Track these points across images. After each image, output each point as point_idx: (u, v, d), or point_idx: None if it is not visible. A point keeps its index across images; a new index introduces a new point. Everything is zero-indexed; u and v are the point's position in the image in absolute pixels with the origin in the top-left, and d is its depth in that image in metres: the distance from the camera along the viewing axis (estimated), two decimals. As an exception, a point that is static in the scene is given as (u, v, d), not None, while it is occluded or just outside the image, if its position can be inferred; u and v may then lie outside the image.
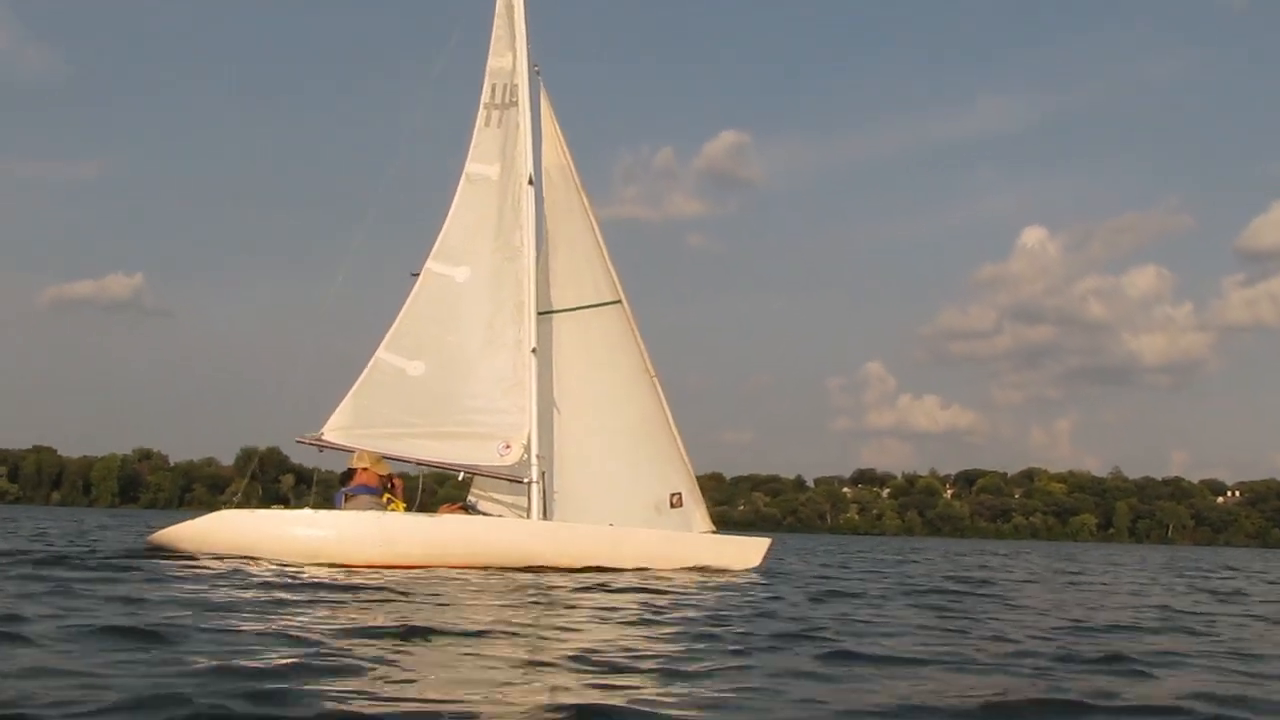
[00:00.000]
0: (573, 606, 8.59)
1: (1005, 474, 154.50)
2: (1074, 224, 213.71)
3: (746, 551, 14.14)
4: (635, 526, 14.03)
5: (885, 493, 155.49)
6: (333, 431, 14.51)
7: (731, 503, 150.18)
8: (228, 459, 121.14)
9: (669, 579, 11.88)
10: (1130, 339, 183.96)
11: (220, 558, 12.11)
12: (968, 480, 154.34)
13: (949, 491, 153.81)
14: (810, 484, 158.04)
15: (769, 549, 14.34)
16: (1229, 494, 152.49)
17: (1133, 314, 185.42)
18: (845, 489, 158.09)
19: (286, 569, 11.13)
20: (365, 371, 14.82)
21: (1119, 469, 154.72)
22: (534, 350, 14.27)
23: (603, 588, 10.36)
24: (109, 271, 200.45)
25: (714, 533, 14.40)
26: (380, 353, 14.88)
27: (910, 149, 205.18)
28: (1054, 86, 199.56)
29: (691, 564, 13.46)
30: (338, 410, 14.63)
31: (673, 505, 14.31)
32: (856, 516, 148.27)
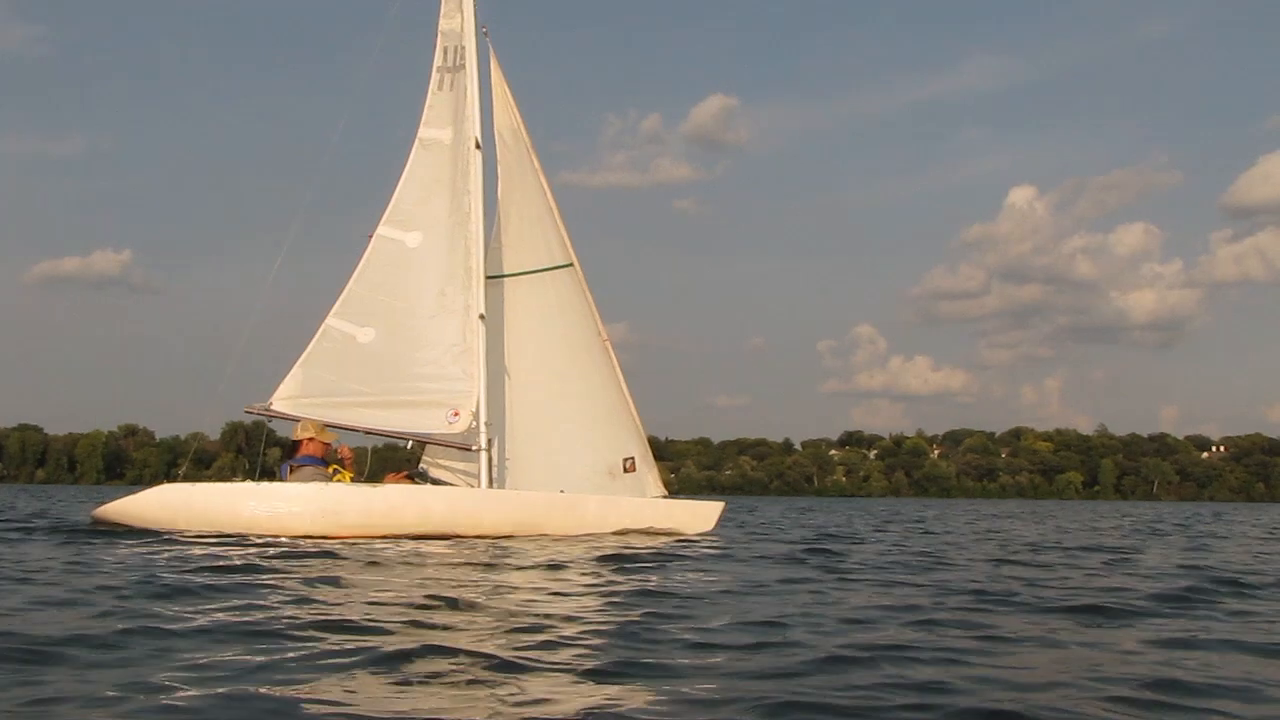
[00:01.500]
0: (518, 573, 8.43)
1: (993, 434, 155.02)
2: (1062, 183, 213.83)
3: (700, 515, 13.98)
4: (588, 492, 13.85)
5: (873, 454, 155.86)
6: (281, 401, 14.26)
7: (719, 467, 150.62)
8: (216, 434, 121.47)
9: (620, 544, 11.72)
10: (1119, 296, 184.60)
11: (160, 532, 11.92)
12: (955, 440, 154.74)
13: (936, 452, 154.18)
14: (798, 447, 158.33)
15: (722, 512, 14.18)
16: (1214, 449, 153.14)
17: (1121, 272, 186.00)
18: (833, 451, 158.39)
19: (222, 541, 10.93)
20: (314, 339, 14.54)
21: (1104, 426, 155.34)
22: (482, 316, 14.03)
23: (548, 556, 10.16)
24: (96, 248, 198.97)
25: (666, 497, 14.22)
26: (330, 320, 14.61)
27: (897, 110, 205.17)
28: (1040, 45, 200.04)
29: (644, 528, 13.28)
30: (286, 379, 14.36)
31: (626, 470, 14.12)
32: (844, 479, 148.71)
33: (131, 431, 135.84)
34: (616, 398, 14.25)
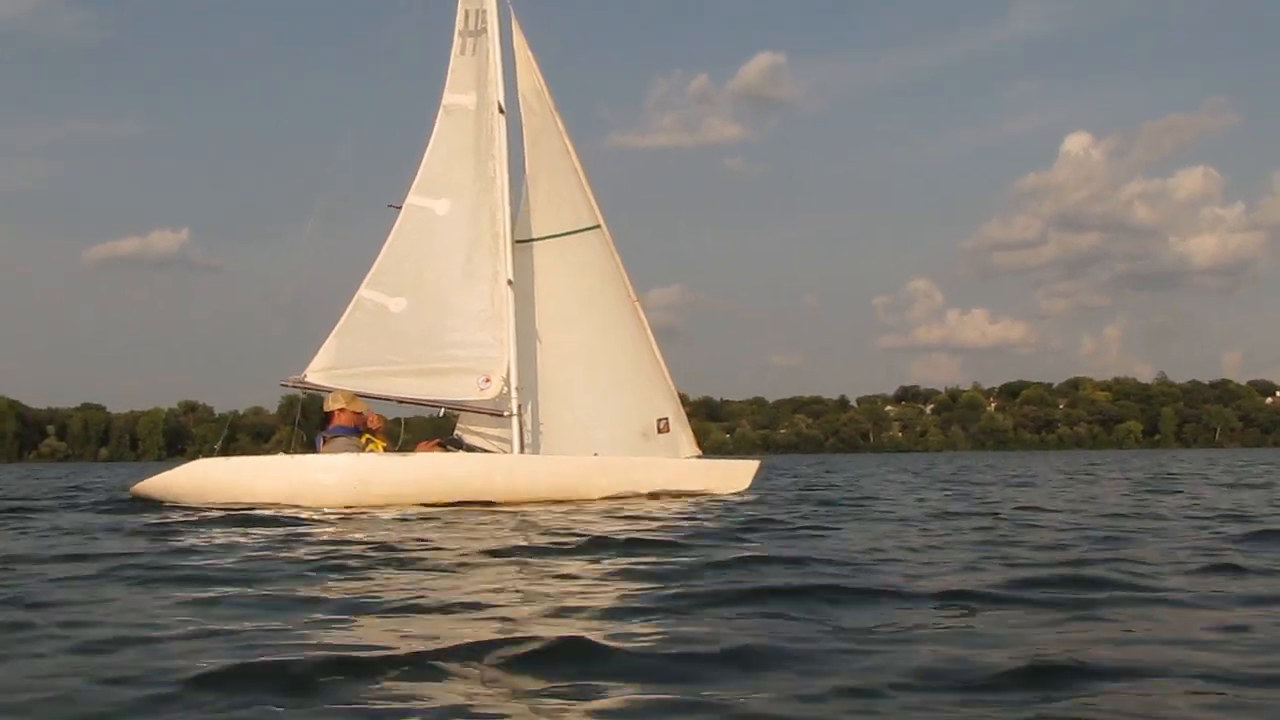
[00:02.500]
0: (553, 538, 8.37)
1: (1050, 385, 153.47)
2: (1118, 129, 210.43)
3: (734, 474, 13.88)
4: (622, 454, 13.80)
5: (929, 409, 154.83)
6: (315, 373, 14.28)
7: (773, 426, 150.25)
8: (274, 408, 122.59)
9: (652, 508, 11.67)
10: (1179, 242, 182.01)
11: (195, 506, 12.00)
12: (1012, 393, 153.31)
13: (993, 405, 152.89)
14: (854, 404, 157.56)
15: (758, 471, 14.08)
16: (1278, 394, 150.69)
17: (1181, 217, 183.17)
18: (889, 407, 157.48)
19: (248, 512, 10.97)
20: (348, 310, 14.54)
21: (1164, 374, 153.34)
22: (510, 282, 13.97)
23: (580, 521, 10.11)
24: (155, 228, 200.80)
25: (700, 457, 14.13)
26: (362, 290, 14.60)
27: (947, 62, 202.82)
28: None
29: (678, 489, 13.21)
30: (321, 350, 14.38)
31: (660, 430, 14.05)
32: (900, 434, 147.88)
33: (191, 408, 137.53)
34: (648, 358, 14.16)
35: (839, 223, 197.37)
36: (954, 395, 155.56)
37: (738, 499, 12.99)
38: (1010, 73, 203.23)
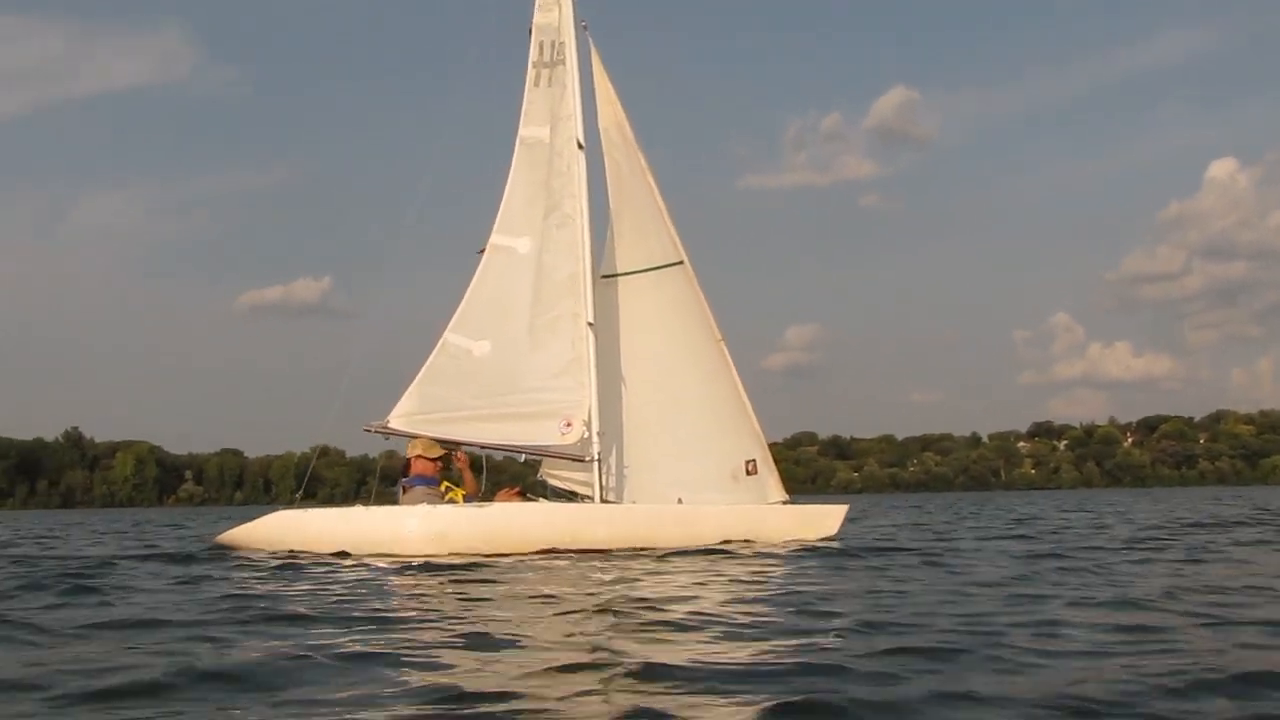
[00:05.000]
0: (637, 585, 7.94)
1: (1191, 419, 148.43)
2: (1265, 154, 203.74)
3: (822, 519, 13.24)
4: (711, 497, 13.28)
5: (1062, 445, 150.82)
6: (398, 418, 14.07)
7: (901, 464, 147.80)
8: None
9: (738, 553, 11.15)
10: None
11: (274, 555, 11.86)
12: (1150, 427, 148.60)
13: (1130, 440, 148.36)
14: (985, 440, 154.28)
15: (845, 515, 13.44)
16: None
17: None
18: (1021, 443, 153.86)
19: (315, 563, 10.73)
20: (432, 355, 14.32)
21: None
22: (590, 323, 13.60)
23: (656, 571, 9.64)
24: (297, 276, 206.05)
25: (788, 502, 13.53)
26: (447, 334, 14.35)
27: (1084, 90, 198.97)
28: (1234, 11, 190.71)
29: (765, 537, 12.62)
30: (404, 396, 14.16)
31: (748, 473, 13.49)
32: (1032, 471, 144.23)
33: (324, 452, 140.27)
34: (734, 399, 13.64)
35: (976, 256, 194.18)
36: (1089, 431, 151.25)
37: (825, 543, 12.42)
38: (1149, 99, 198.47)
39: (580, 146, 14.04)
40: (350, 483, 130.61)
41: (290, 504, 14.10)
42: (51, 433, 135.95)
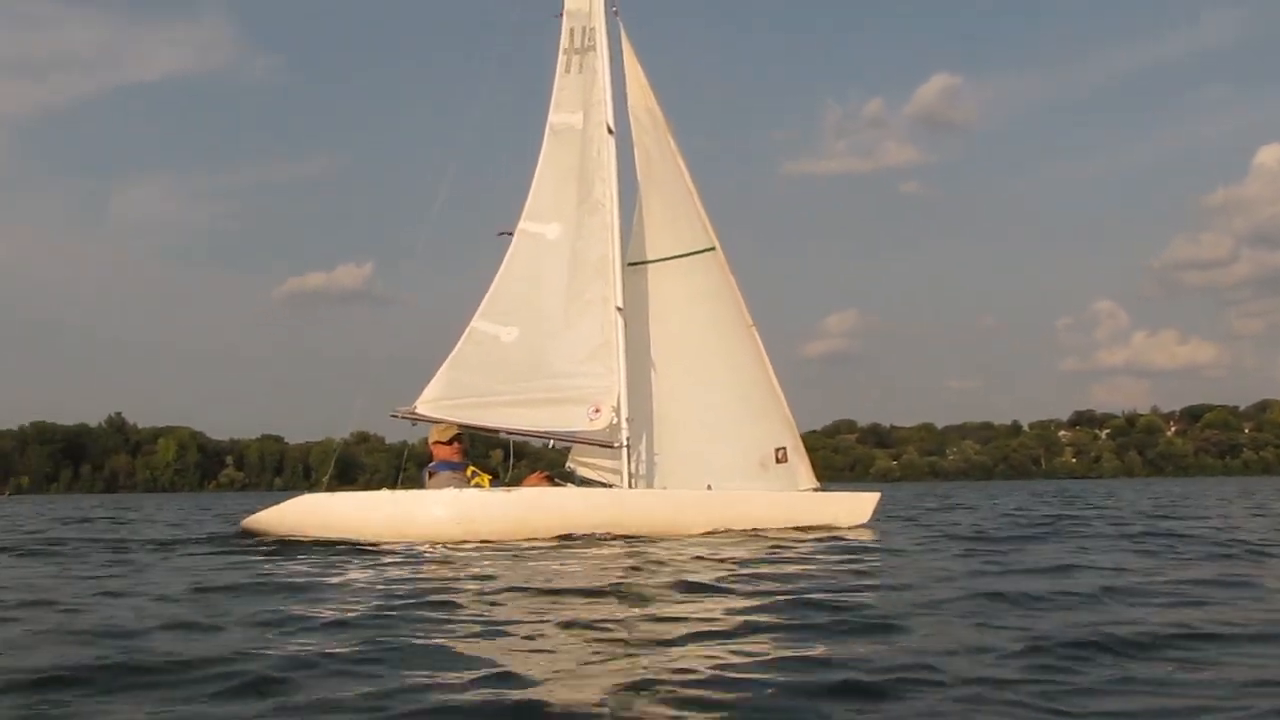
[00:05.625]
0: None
1: (1236, 408, 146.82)
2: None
3: (854, 507, 13.09)
4: (740, 485, 13.16)
5: (1104, 434, 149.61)
6: (425, 404, 14.02)
7: (941, 452, 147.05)
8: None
9: (769, 540, 11.01)
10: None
11: (300, 540, 11.84)
12: (1193, 416, 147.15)
13: (1172, 429, 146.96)
14: (1026, 428, 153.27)
15: (878, 503, 13.27)
16: None
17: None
18: (1062, 432, 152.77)
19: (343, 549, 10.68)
20: (461, 341, 14.25)
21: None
22: (619, 308, 13.48)
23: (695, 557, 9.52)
24: (339, 263, 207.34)
25: (818, 489, 13.39)
26: (475, 321, 14.28)
27: (1129, 74, 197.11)
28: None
29: (796, 524, 12.49)
30: (432, 382, 14.11)
31: (778, 461, 13.35)
32: (1073, 460, 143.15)
33: (364, 438, 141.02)
34: (764, 386, 13.50)
35: (1018, 243, 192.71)
36: (1131, 420, 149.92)
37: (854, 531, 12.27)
38: (1194, 82, 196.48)
39: (610, 131, 13.90)
40: (389, 469, 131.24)
41: (314, 488, 14.08)
42: (95, 418, 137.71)
